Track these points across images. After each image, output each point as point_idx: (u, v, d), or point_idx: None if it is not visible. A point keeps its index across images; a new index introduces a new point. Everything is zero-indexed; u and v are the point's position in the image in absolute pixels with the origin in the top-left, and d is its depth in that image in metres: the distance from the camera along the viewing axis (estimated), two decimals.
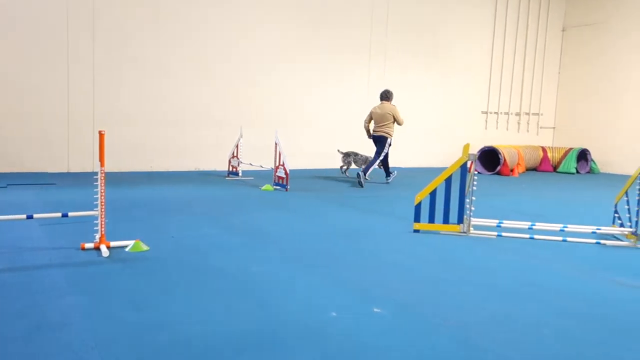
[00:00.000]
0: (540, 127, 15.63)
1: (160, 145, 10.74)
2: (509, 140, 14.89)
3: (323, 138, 12.37)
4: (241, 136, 9.94)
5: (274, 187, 8.72)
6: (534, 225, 5.68)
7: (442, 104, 13.99)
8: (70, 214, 4.61)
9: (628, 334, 3.12)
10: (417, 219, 5.73)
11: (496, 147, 12.89)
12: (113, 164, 9.96)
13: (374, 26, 12.78)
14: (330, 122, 12.48)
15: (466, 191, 5.61)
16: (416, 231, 5.71)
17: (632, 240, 5.47)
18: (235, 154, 10.08)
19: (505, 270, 4.40)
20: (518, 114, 15.23)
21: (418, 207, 5.71)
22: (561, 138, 15.57)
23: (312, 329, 2.99)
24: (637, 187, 5.44)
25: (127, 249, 4.50)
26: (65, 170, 9.98)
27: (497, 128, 14.95)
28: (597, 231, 5.61)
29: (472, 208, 5.61)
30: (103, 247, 4.42)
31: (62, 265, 4.04)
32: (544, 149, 14.29)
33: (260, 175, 10.15)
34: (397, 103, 10.40)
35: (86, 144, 9.99)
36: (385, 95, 9.93)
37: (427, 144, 13.69)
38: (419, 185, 6.48)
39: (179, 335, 2.84)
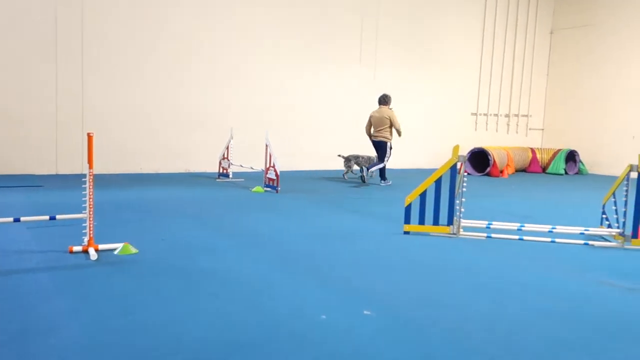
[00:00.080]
0: (529, 129, 15.74)
1: (150, 147, 10.69)
2: (499, 142, 14.98)
3: (313, 139, 12.38)
4: (232, 137, 9.91)
5: (265, 188, 8.70)
6: (523, 226, 5.71)
7: (432, 106, 14.04)
8: (58, 216, 4.58)
9: (614, 334, 3.14)
10: (407, 220, 5.74)
11: (486, 148, 12.95)
12: (102, 166, 9.91)
13: (364, 30, 12.81)
14: (320, 124, 12.49)
15: (456, 192, 5.63)
16: (406, 233, 5.72)
17: (619, 241, 5.52)
18: (225, 156, 10.05)
19: (494, 271, 4.42)
20: (507, 116, 15.32)
21: (408, 209, 5.73)
22: (550, 139, 15.69)
23: (302, 332, 2.99)
24: (624, 188, 5.49)
25: (115, 252, 4.47)
26: (54, 172, 9.90)
27: (486, 129, 15.03)
28: (585, 232, 5.65)
29: (462, 209, 5.63)
30: (91, 250, 4.39)
31: (49, 269, 4.00)
32: (532, 150, 14.38)
33: (250, 177, 10.13)
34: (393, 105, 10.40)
35: (75, 145, 9.92)
36: (383, 100, 9.95)
37: (418, 145, 13.72)
38: (409, 187, 6.49)
39: (168, 339, 2.83)
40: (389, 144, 9.85)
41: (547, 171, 14.04)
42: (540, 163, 14.21)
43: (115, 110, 10.31)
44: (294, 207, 7.25)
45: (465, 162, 5.71)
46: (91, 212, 4.44)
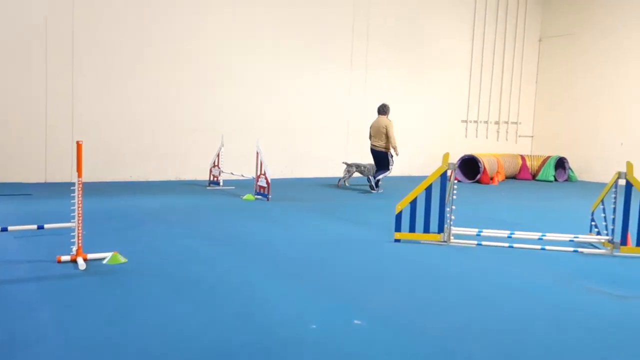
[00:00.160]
0: (519, 136, 15.83)
1: (141, 154, 10.64)
2: (489, 149, 15.06)
3: (303, 146, 12.38)
4: (222, 145, 9.89)
5: (256, 196, 8.68)
6: (513, 234, 5.73)
7: (422, 113, 14.10)
8: (46, 225, 4.54)
9: (603, 341, 3.15)
10: (398, 228, 5.74)
11: (476, 155, 13.01)
12: (92, 174, 9.84)
13: (355, 36, 12.85)
14: (310, 131, 12.49)
15: (446, 200, 5.64)
16: (397, 240, 5.72)
17: (608, 248, 5.55)
18: (216, 163, 10.02)
19: (484, 279, 4.42)
20: (497, 123, 15.41)
21: (399, 217, 5.73)
22: (539, 146, 15.79)
23: (292, 342, 2.97)
24: (613, 195, 5.53)
25: (104, 261, 4.43)
26: (43, 181, 9.82)
27: (476, 136, 15.10)
28: (575, 239, 5.68)
29: (453, 217, 5.65)
30: (80, 260, 4.35)
31: (37, 279, 3.96)
32: (522, 157, 14.47)
33: (241, 185, 10.10)
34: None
35: (64, 153, 9.84)
36: (382, 110, 10.04)
37: (408, 153, 13.75)
38: (400, 194, 6.50)
39: (157, 350, 2.80)
40: (388, 153, 9.91)
41: (537, 178, 14.12)
42: (530, 170, 14.29)
43: (106, 118, 10.25)
44: (285, 215, 7.23)
45: (455, 170, 5.73)
46: (80, 221, 4.40)
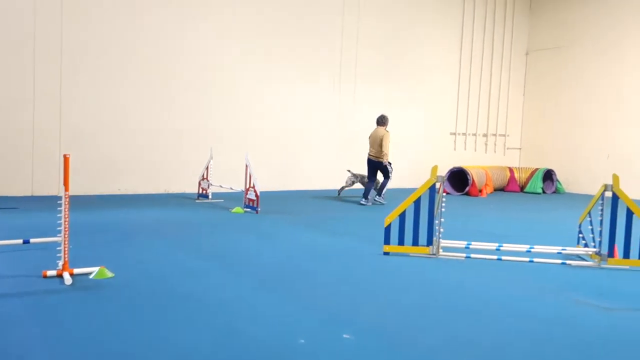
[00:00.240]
0: (507, 148, 15.96)
1: (129, 167, 10.58)
2: (477, 161, 15.15)
3: (293, 159, 12.38)
4: (211, 158, 9.87)
5: (245, 209, 8.66)
6: (502, 246, 5.75)
7: (412, 126, 14.17)
8: (32, 240, 4.49)
9: (591, 354, 3.16)
10: (387, 241, 5.74)
11: (465, 167, 13.09)
12: (79, 187, 9.76)
13: (343, 49, 12.93)
14: (300, 143, 12.50)
15: (435, 213, 5.66)
16: (386, 253, 5.72)
17: (596, 260, 5.58)
18: (205, 176, 9.99)
19: (473, 292, 4.43)
20: (485, 135, 15.53)
21: (388, 229, 5.73)
22: (527, 158, 15.92)
23: (281, 356, 2.95)
24: (600, 207, 5.58)
25: (91, 276, 4.39)
26: (29, 194, 9.72)
27: (465, 149, 15.20)
28: (563, 252, 5.72)
29: (441, 230, 5.66)
30: (66, 275, 4.29)
31: (22, 294, 3.90)
32: (511, 170, 14.57)
33: (231, 197, 10.07)
34: (381, 124, 10.51)
35: (51, 166, 9.76)
36: (381, 120, 10.30)
37: (398, 165, 13.78)
38: (389, 207, 6.51)
39: None
40: (385, 163, 10.16)
41: (525, 190, 14.21)
42: (518, 182, 14.39)
43: (94, 131, 10.19)
44: (274, 228, 7.21)
45: (444, 182, 5.75)
46: (66, 236, 4.36)
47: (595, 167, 13.95)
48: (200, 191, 10.13)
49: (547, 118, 15.43)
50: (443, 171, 11.97)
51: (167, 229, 6.84)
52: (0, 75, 9.38)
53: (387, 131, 10.20)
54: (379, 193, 10.32)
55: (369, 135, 10.50)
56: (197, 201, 9.83)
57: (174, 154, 10.99)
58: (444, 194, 5.71)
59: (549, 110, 15.40)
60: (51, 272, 4.37)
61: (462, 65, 14.94)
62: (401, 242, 5.70)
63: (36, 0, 9.50)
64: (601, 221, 5.53)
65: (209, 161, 9.85)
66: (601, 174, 13.10)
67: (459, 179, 13.26)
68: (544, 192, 14.06)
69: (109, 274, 4.44)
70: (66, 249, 4.36)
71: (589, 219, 6.00)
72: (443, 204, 5.62)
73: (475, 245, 5.74)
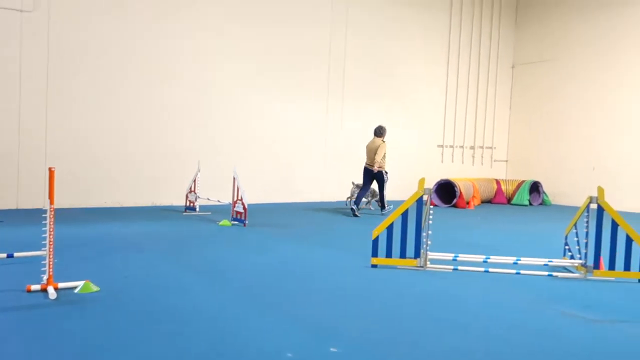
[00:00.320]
0: (494, 160, 16.08)
1: (115, 180, 10.50)
2: (465, 173, 15.24)
3: (281, 172, 12.38)
4: (199, 170, 9.84)
5: (232, 222, 8.62)
6: (489, 258, 5.78)
7: (399, 138, 14.22)
8: (16, 254, 4.44)
9: None
10: (374, 253, 5.75)
11: (452, 180, 13.16)
12: (65, 200, 9.68)
13: (331, 63, 13.01)
14: (288, 157, 12.51)
15: (422, 225, 5.68)
16: (374, 266, 5.72)
17: (582, 272, 5.62)
18: (192, 189, 9.95)
19: (460, 304, 4.44)
20: (472, 148, 15.65)
21: (375, 242, 5.74)
22: (514, 170, 16.05)
23: None
24: (585, 219, 5.63)
25: (76, 290, 4.34)
26: (14, 207, 9.62)
27: (452, 161, 15.30)
28: (549, 263, 5.75)
29: (429, 242, 5.68)
30: (50, 289, 4.24)
31: (5, 309, 3.85)
32: (497, 182, 14.67)
33: (218, 210, 10.03)
34: (370, 134, 10.70)
35: (37, 179, 9.66)
36: (378, 131, 10.61)
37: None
38: (377, 219, 6.52)
39: None
40: (382, 171, 10.40)
41: (512, 202, 14.31)
42: (505, 194, 14.48)
43: (79, 143, 10.12)
44: (262, 241, 7.19)
45: (431, 195, 5.78)
46: (51, 249, 4.31)
47: (581, 179, 14.08)
48: (188, 204, 10.08)
49: (533, 130, 15.59)
50: (430, 183, 12.04)
51: (154, 242, 6.79)
52: None
53: (384, 142, 10.48)
54: (382, 207, 10.55)
55: (366, 145, 10.77)
56: (184, 214, 9.77)
57: (161, 167, 10.94)
58: (432, 206, 5.73)
59: (535, 122, 15.57)
60: (35, 287, 4.32)
61: (449, 79, 15.08)
62: (389, 254, 5.71)
63: (22, 15, 9.48)
64: (587, 233, 5.58)
65: (197, 174, 9.81)
66: (587, 185, 13.21)
67: (446, 191, 13.32)
68: (530, 204, 14.16)
69: (94, 288, 4.39)
70: (51, 262, 4.31)
71: (574, 230, 6.05)
72: (430, 216, 5.64)
73: (462, 257, 5.76)
